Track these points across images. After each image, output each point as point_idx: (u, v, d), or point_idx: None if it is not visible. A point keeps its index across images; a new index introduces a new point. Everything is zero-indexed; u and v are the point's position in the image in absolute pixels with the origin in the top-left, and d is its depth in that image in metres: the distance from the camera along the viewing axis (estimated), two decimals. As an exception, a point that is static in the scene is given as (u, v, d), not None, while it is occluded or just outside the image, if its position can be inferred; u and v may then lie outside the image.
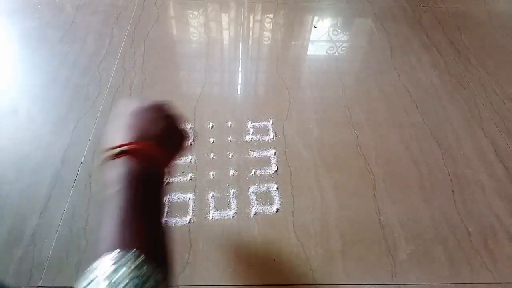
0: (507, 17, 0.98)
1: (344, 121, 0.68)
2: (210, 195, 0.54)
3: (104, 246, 0.26)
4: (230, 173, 0.58)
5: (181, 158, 0.40)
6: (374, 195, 0.56)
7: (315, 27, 0.92)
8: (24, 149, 0.60)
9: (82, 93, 0.70)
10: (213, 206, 0.53)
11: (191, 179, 0.57)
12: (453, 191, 0.57)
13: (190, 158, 0.59)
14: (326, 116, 0.69)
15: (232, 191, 0.55)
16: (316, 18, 0.95)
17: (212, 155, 0.60)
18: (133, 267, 0.23)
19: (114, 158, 0.30)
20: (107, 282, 0.23)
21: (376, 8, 0.98)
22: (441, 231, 0.52)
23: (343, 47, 0.87)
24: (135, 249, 0.25)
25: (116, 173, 0.29)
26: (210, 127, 0.65)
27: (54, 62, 0.76)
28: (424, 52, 0.85)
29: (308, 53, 0.85)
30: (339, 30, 0.92)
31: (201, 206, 0.53)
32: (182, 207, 0.53)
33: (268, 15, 0.95)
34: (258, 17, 0.95)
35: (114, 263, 0.23)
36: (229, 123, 0.66)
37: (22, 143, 0.61)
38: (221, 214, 0.52)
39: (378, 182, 0.58)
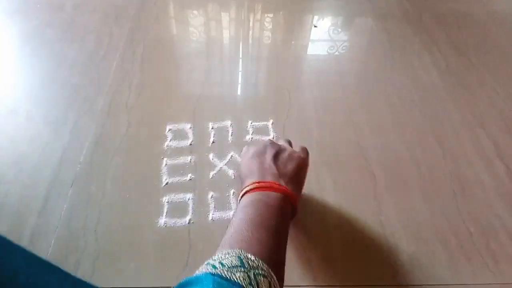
0: (507, 17, 0.97)
1: (344, 121, 0.67)
2: (210, 195, 0.54)
3: (225, 245, 0.29)
4: (230, 173, 0.57)
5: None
6: (375, 195, 0.56)
7: (315, 27, 0.92)
8: (22, 149, 0.60)
9: (81, 93, 0.70)
10: (213, 206, 0.53)
11: (190, 179, 0.56)
12: (454, 191, 0.57)
13: (189, 158, 0.59)
14: (326, 116, 0.68)
15: (232, 191, 0.55)
16: (316, 17, 0.95)
17: (212, 155, 0.60)
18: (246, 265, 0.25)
19: (248, 192, 0.35)
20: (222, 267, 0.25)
21: (376, 7, 0.98)
22: (442, 232, 0.52)
23: (343, 46, 0.87)
24: (253, 254, 0.26)
25: (248, 199, 0.34)
26: (210, 127, 0.65)
27: (53, 61, 0.76)
28: (424, 52, 0.85)
29: (308, 53, 0.85)
30: (339, 30, 0.91)
31: (200, 207, 0.53)
32: (182, 208, 0.53)
33: (268, 15, 0.95)
34: (258, 17, 0.94)
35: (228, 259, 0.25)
36: (229, 123, 0.65)
37: (20, 143, 0.61)
38: (221, 214, 0.52)
39: (379, 182, 0.58)
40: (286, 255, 0.47)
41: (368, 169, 0.60)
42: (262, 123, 0.66)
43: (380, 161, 0.61)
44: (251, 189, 0.34)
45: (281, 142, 0.45)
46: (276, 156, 0.39)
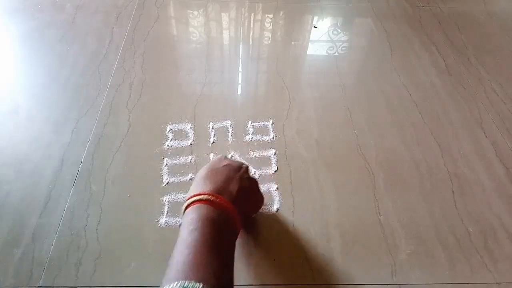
0: (507, 17, 0.98)
1: (344, 121, 0.68)
2: (210, 195, 0.54)
3: (170, 274, 0.27)
4: (230, 173, 0.57)
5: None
6: (374, 195, 0.56)
7: (315, 27, 0.92)
8: (23, 149, 0.60)
9: (82, 93, 0.70)
10: (213, 206, 0.53)
11: (191, 179, 0.57)
12: (453, 191, 0.58)
13: (190, 158, 0.59)
14: (326, 116, 0.69)
15: (232, 191, 0.55)
16: (316, 18, 0.95)
17: (212, 155, 0.60)
18: None
19: (193, 204, 0.34)
20: None
21: (376, 8, 0.98)
22: (441, 231, 0.52)
23: (343, 47, 0.87)
24: (199, 281, 0.26)
25: (193, 215, 0.33)
26: (210, 127, 0.65)
27: (54, 62, 0.76)
28: (424, 52, 0.85)
29: (308, 53, 0.85)
30: (339, 30, 0.92)
31: (201, 206, 0.53)
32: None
33: (268, 15, 0.95)
34: (258, 17, 0.95)
35: None
36: (229, 123, 0.66)
37: (21, 143, 0.61)
38: (221, 214, 0.52)
39: (378, 182, 0.58)
40: (286, 254, 0.48)
41: (368, 168, 0.60)
42: (262, 123, 0.66)
43: (380, 161, 0.61)
44: (201, 200, 0.34)
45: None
46: (242, 180, 0.40)
